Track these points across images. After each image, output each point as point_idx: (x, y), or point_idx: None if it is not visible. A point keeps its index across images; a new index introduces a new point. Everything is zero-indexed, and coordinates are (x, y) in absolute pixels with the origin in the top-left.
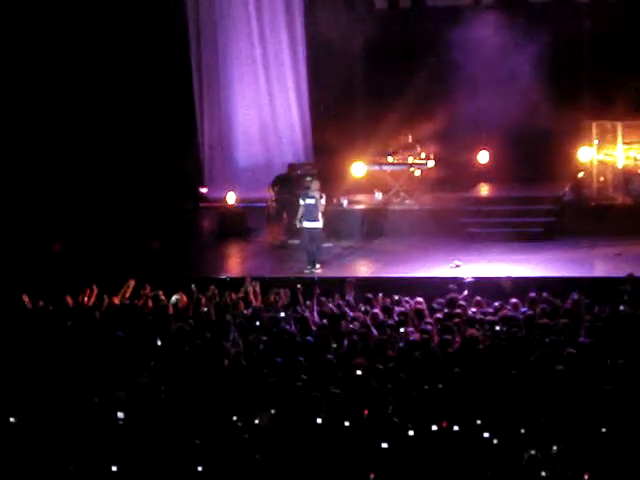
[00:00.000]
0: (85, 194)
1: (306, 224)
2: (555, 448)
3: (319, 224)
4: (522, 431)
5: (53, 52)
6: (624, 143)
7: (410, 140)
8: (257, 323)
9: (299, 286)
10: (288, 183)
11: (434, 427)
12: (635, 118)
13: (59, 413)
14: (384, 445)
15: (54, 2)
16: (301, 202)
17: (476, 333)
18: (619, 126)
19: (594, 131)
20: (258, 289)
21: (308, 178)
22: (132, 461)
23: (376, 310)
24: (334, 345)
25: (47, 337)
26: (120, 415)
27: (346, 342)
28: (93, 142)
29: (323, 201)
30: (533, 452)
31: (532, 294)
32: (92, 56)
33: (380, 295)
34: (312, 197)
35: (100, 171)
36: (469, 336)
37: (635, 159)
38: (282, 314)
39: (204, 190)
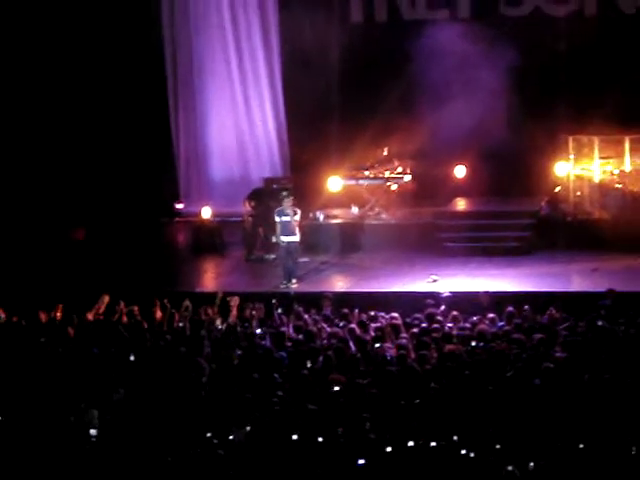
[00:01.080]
0: (60, 208)
1: (283, 238)
2: (532, 464)
3: (296, 238)
4: (499, 447)
5: (27, 67)
6: (600, 158)
7: (386, 154)
8: (232, 338)
9: (274, 301)
10: (264, 198)
11: (410, 443)
12: (611, 133)
13: (32, 430)
14: (360, 461)
15: (25, 15)
16: (277, 219)
17: (454, 348)
18: (596, 141)
19: (570, 146)
20: (237, 303)
21: (284, 193)
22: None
23: (352, 325)
24: (309, 362)
25: (20, 352)
26: (93, 432)
27: (321, 358)
28: (68, 156)
29: (298, 217)
30: (510, 468)
31: (509, 309)
32: (67, 70)
33: (356, 310)
34: (287, 214)
35: (75, 186)
36: (447, 351)
37: (612, 174)
38: (257, 329)
39: (180, 205)
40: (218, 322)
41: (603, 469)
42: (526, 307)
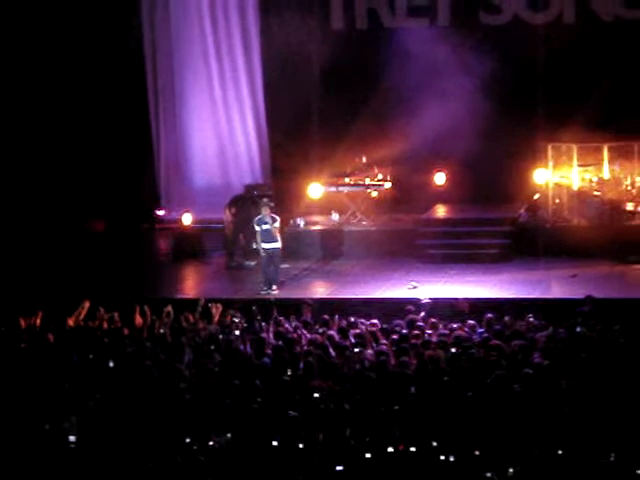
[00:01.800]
0: (40, 216)
1: (265, 245)
2: (511, 470)
3: (277, 244)
4: (478, 453)
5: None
6: (579, 165)
7: (365, 161)
8: (212, 345)
9: (254, 308)
10: (245, 204)
11: (390, 449)
12: (590, 140)
13: (11, 436)
14: (339, 468)
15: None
16: (257, 228)
17: (434, 354)
18: (574, 148)
19: (549, 153)
20: (219, 310)
21: (264, 200)
22: None
23: (332, 332)
24: (289, 368)
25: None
26: (72, 439)
27: (302, 364)
28: (47, 163)
29: (277, 224)
30: (489, 474)
31: (488, 315)
32: (46, 75)
33: (336, 317)
34: (266, 222)
35: (54, 191)
36: (427, 357)
37: (590, 181)
38: (238, 336)
39: (161, 212)
40: (200, 328)
41: (582, 475)
42: (506, 318)
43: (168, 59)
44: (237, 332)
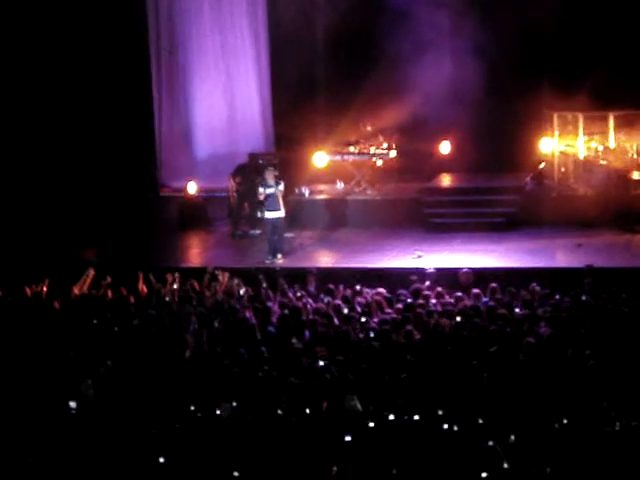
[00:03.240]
0: (44, 186)
1: (268, 214)
2: (513, 437)
3: (281, 213)
4: (481, 422)
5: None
6: (585, 134)
7: (369, 129)
8: (218, 313)
9: (261, 276)
10: (249, 173)
11: (391, 417)
12: (596, 109)
13: (17, 405)
14: (347, 438)
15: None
16: (261, 191)
17: (438, 323)
18: (580, 117)
19: (555, 122)
20: (226, 279)
21: (270, 168)
22: (91, 453)
23: (337, 301)
24: (294, 337)
25: (6, 327)
26: (72, 405)
27: (307, 333)
28: (51, 133)
29: (282, 187)
30: (491, 443)
31: (493, 285)
32: (48, 45)
33: (341, 286)
34: (270, 185)
35: (58, 162)
36: (431, 326)
37: (596, 150)
38: (243, 304)
39: (165, 181)
40: (206, 296)
41: (587, 444)
42: (511, 287)
43: (172, 29)
44: (243, 300)
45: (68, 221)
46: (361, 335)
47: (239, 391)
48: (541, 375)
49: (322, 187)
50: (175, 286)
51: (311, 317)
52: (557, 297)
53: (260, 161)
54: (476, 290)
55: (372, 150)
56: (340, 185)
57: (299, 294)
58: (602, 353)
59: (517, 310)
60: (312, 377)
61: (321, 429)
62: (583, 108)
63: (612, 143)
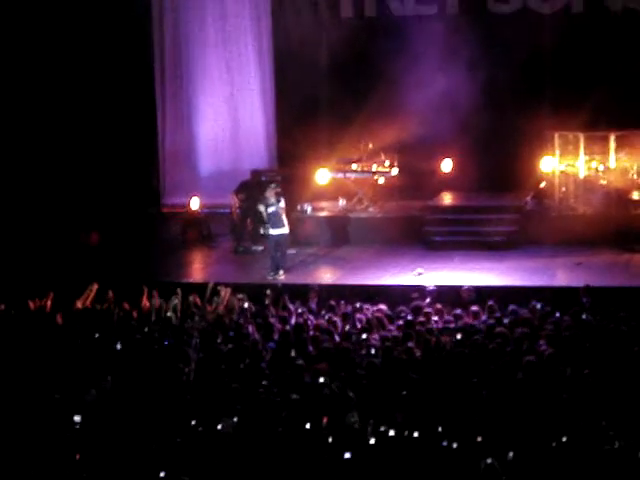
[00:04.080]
0: (48, 201)
1: (272, 231)
2: (511, 454)
3: (285, 230)
4: (480, 439)
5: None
6: (586, 154)
7: (372, 148)
8: (220, 329)
9: (267, 292)
10: (252, 190)
11: (391, 433)
12: (597, 129)
13: (19, 417)
14: (347, 455)
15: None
16: (263, 211)
17: (439, 340)
18: (581, 137)
19: (556, 142)
20: (228, 295)
21: (272, 185)
22: (92, 466)
23: (338, 318)
24: (294, 353)
25: (9, 341)
26: (77, 419)
27: (309, 349)
28: (54, 147)
29: (282, 204)
30: (490, 460)
31: (490, 302)
32: (52, 57)
33: (343, 302)
34: (272, 204)
35: (61, 176)
36: (432, 344)
37: (597, 170)
38: (245, 320)
39: (168, 197)
40: (207, 312)
41: (585, 462)
42: (511, 305)
43: (176, 44)
44: (245, 316)
45: (71, 236)
46: (362, 352)
47: (240, 407)
48: (540, 393)
49: (324, 204)
50: (177, 302)
51: (312, 333)
52: (557, 315)
53: (263, 178)
54: (475, 308)
55: (374, 168)
56: (342, 202)
57: (300, 310)
58: (601, 372)
59: (517, 328)
60: (313, 393)
61: (321, 446)
62: (584, 128)
63: (613, 163)
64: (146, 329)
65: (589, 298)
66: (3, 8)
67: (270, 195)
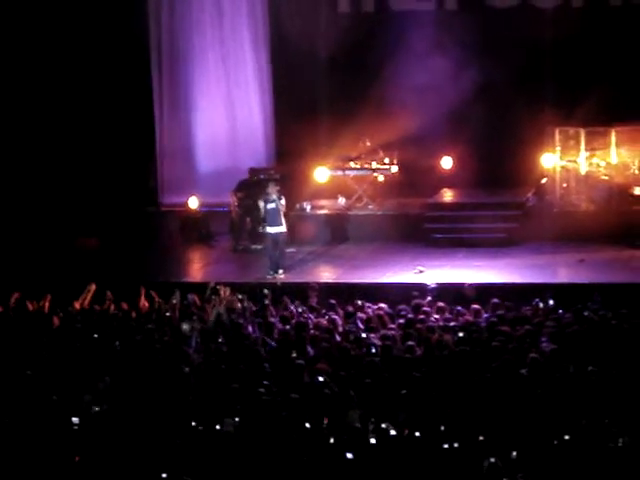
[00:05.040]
0: (45, 200)
1: (270, 229)
2: (515, 454)
3: (283, 228)
4: (482, 438)
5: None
6: (587, 150)
7: (371, 145)
8: (220, 329)
9: (266, 291)
10: (251, 188)
11: (392, 432)
12: (598, 125)
13: (18, 419)
14: (349, 455)
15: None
16: (262, 207)
17: (440, 339)
18: (582, 133)
19: (557, 137)
20: (228, 294)
21: (271, 183)
22: (93, 468)
23: (339, 316)
24: (294, 352)
25: (7, 343)
26: (75, 420)
27: (309, 348)
28: (52, 146)
29: (283, 202)
30: (493, 460)
31: (494, 300)
32: (49, 60)
33: (343, 301)
34: (272, 201)
35: (59, 175)
36: (433, 342)
37: (598, 165)
38: (245, 320)
39: (166, 195)
40: (207, 312)
41: (589, 460)
42: (512, 303)
43: (174, 43)
44: (244, 316)
45: (69, 235)
46: (363, 350)
47: (241, 407)
48: (543, 391)
49: (323, 202)
50: (176, 301)
51: (312, 332)
52: (559, 312)
53: (261, 176)
54: (476, 306)
55: (373, 165)
56: (341, 200)
57: (300, 309)
58: (604, 369)
59: (519, 326)
60: (313, 393)
61: (322, 445)
62: (585, 123)
63: (614, 158)
64: (145, 329)
65: (600, 303)
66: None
67: (272, 191)
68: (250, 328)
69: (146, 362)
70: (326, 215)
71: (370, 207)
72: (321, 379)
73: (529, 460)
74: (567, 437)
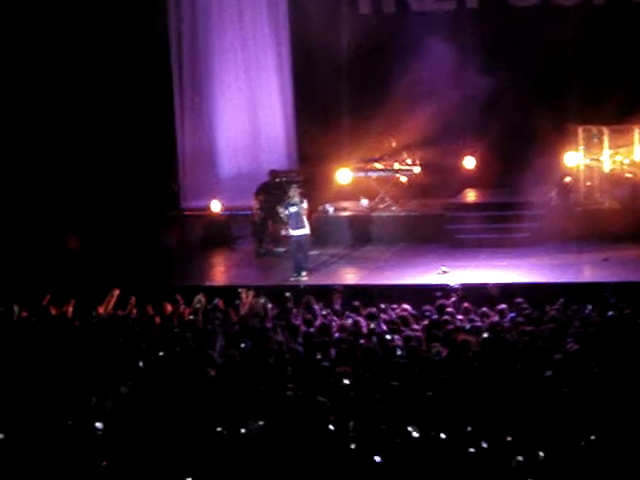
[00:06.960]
0: (68, 207)
1: (293, 232)
2: (542, 454)
3: (306, 230)
4: (509, 439)
5: (29, 62)
6: (610, 148)
7: (394, 145)
8: (244, 332)
9: (288, 294)
10: (274, 191)
11: (415, 434)
12: (621, 122)
13: (41, 425)
14: (377, 459)
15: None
16: (284, 212)
17: (465, 339)
18: (605, 131)
19: (580, 136)
20: (251, 297)
21: (294, 186)
22: (117, 474)
23: (362, 318)
24: (319, 355)
25: (31, 348)
26: (99, 425)
27: (333, 351)
28: (73, 150)
29: (305, 204)
30: (521, 458)
31: (518, 300)
32: (70, 65)
33: (367, 303)
34: (294, 204)
35: (81, 180)
36: (459, 343)
37: (621, 163)
38: (270, 323)
39: (189, 199)
40: (231, 315)
41: (616, 460)
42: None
43: (194, 47)
44: (269, 318)
45: (92, 240)
46: (387, 352)
47: (266, 410)
48: (569, 391)
49: (346, 204)
50: (200, 305)
51: (337, 335)
52: (584, 312)
53: (283, 178)
54: (502, 305)
55: (396, 166)
56: (364, 202)
57: (324, 312)
58: (628, 368)
59: (544, 326)
60: (338, 395)
61: (348, 448)
62: (608, 121)
63: (637, 156)
64: (169, 333)
65: (613, 297)
66: (26, 17)
67: (294, 194)
68: (274, 331)
69: (170, 366)
70: (349, 217)
71: (393, 208)
72: (346, 382)
73: (557, 460)
74: (593, 437)
